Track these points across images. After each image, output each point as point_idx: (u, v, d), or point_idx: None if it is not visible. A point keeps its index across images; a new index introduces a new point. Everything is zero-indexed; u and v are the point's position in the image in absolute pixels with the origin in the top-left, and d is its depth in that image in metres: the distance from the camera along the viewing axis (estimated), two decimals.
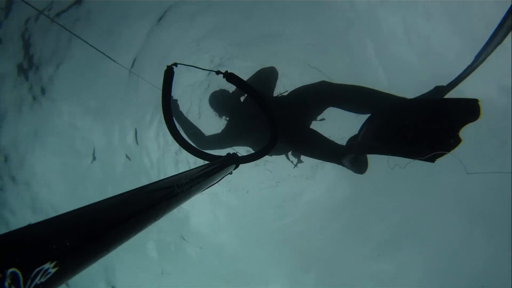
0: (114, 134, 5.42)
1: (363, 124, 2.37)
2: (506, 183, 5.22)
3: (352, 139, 2.44)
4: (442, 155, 1.83)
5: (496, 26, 1.95)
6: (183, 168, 6.45)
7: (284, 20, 5.22)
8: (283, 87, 3.42)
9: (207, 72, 5.62)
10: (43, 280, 0.33)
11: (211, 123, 3.71)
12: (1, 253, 0.30)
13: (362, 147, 2.27)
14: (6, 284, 0.28)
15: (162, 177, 1.18)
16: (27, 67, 4.28)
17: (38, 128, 4.73)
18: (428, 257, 6.48)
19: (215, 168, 1.19)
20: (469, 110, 1.86)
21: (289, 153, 3.32)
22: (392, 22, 5.00)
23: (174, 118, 3.34)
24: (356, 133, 2.43)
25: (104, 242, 0.47)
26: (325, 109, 2.85)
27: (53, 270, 0.35)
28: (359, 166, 2.50)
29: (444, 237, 6.30)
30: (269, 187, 7.36)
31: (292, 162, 3.32)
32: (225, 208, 7.17)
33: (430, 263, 6.46)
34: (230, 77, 1.49)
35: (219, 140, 3.13)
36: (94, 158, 5.36)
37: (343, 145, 2.60)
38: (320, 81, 2.80)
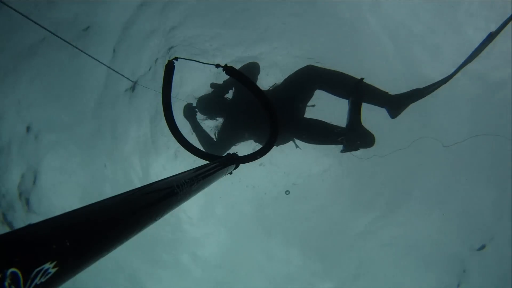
0: None
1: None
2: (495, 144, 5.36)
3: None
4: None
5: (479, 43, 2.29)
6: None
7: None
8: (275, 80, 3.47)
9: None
10: (43, 280, 0.33)
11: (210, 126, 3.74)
12: (1, 253, 0.30)
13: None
14: (6, 284, 0.28)
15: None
16: None
17: None
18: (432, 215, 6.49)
19: (215, 168, 1.19)
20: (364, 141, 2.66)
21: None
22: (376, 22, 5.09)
23: (191, 127, 3.39)
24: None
25: (104, 242, 0.46)
26: (313, 91, 3.01)
27: (53, 270, 0.35)
28: (363, 137, 2.71)
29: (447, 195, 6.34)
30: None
31: (298, 146, 3.32)
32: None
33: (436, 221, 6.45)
34: (229, 70, 1.50)
35: (223, 141, 3.16)
36: None
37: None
38: (306, 65, 2.98)
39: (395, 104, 2.72)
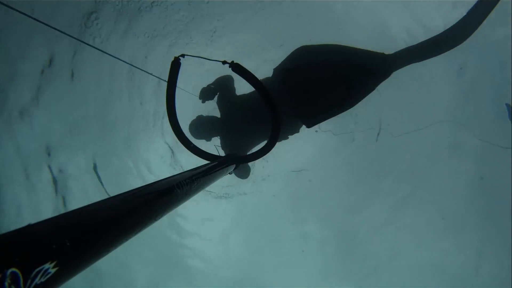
0: None
1: None
2: None
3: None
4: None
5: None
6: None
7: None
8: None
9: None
10: (43, 280, 0.33)
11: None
12: (1, 253, 0.30)
13: None
14: (6, 284, 0.28)
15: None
16: None
17: None
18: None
19: (215, 168, 1.18)
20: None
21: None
22: None
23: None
24: None
25: (104, 242, 0.46)
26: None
27: (53, 270, 0.35)
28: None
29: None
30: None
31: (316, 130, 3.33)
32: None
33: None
34: (235, 67, 1.52)
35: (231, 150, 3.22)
36: None
37: None
38: (299, 47, 3.01)
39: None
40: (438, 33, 2.92)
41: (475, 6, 2.81)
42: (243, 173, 3.33)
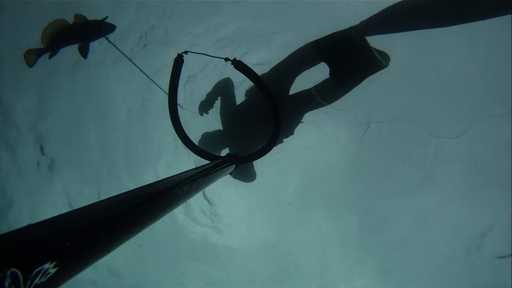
0: None
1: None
2: None
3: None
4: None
5: None
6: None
7: None
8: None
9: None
10: (43, 280, 0.33)
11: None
12: (1, 253, 0.30)
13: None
14: (6, 284, 0.28)
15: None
16: None
17: None
18: None
19: (215, 168, 1.18)
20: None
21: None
22: None
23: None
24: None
25: (104, 242, 0.46)
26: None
27: (53, 270, 0.35)
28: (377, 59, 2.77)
29: None
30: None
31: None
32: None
33: None
34: (238, 64, 1.54)
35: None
36: None
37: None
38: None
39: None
40: None
41: None
42: (248, 178, 3.37)
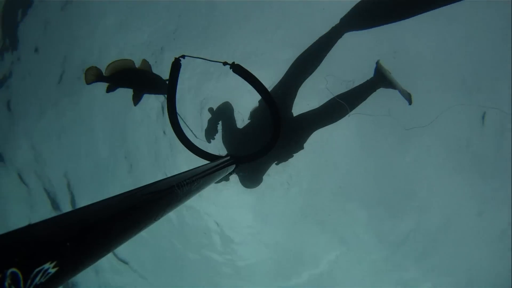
0: None
1: None
2: None
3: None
4: None
5: None
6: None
7: None
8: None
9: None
10: (43, 280, 0.33)
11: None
12: (1, 253, 0.30)
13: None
14: (6, 284, 0.28)
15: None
16: None
17: None
18: None
19: (215, 168, 1.18)
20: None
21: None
22: None
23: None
24: None
25: (104, 242, 0.46)
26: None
27: (53, 270, 0.35)
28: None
29: None
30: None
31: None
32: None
33: None
34: (236, 68, 1.51)
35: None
36: None
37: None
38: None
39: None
40: None
41: None
42: (253, 183, 3.42)
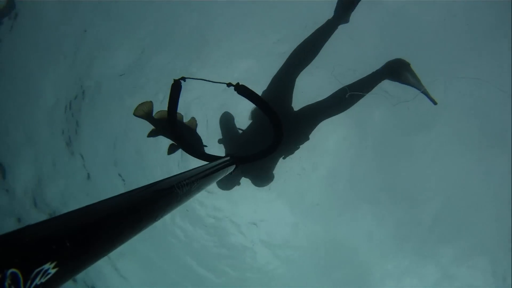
0: None
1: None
2: None
3: None
4: None
5: None
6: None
7: None
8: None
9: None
10: (43, 280, 0.33)
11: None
12: (1, 253, 0.30)
13: None
14: (6, 284, 0.28)
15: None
16: None
17: None
18: None
19: (215, 168, 1.18)
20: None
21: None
22: None
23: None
24: None
25: (104, 242, 0.46)
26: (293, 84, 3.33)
27: (53, 271, 0.35)
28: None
29: None
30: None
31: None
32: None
33: None
34: (241, 89, 1.42)
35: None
36: None
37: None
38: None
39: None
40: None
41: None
42: (264, 182, 3.42)
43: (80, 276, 6.87)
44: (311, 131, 3.36)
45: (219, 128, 3.55)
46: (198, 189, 0.94)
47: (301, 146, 3.40)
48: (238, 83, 1.43)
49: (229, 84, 1.45)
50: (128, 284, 7.66)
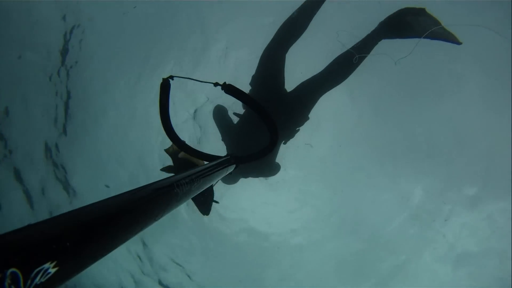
0: None
1: None
2: None
3: None
4: None
5: None
6: None
7: None
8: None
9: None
10: (43, 280, 0.33)
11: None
12: (1, 253, 0.30)
13: None
14: (6, 284, 0.28)
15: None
16: None
17: None
18: None
19: (215, 168, 1.18)
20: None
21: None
22: None
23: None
24: None
25: (104, 242, 0.46)
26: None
27: (53, 270, 0.35)
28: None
29: None
30: None
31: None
32: None
33: None
34: (228, 88, 1.41)
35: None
36: None
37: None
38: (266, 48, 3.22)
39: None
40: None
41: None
42: (272, 171, 3.49)
43: None
44: (311, 109, 3.21)
45: (214, 124, 3.51)
46: (198, 188, 0.94)
47: (301, 128, 3.31)
48: (225, 83, 1.41)
49: (216, 84, 1.42)
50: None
